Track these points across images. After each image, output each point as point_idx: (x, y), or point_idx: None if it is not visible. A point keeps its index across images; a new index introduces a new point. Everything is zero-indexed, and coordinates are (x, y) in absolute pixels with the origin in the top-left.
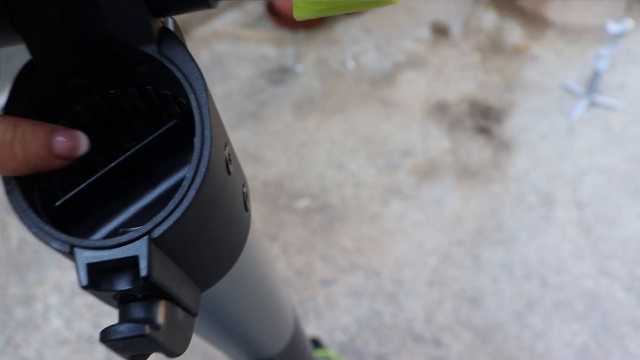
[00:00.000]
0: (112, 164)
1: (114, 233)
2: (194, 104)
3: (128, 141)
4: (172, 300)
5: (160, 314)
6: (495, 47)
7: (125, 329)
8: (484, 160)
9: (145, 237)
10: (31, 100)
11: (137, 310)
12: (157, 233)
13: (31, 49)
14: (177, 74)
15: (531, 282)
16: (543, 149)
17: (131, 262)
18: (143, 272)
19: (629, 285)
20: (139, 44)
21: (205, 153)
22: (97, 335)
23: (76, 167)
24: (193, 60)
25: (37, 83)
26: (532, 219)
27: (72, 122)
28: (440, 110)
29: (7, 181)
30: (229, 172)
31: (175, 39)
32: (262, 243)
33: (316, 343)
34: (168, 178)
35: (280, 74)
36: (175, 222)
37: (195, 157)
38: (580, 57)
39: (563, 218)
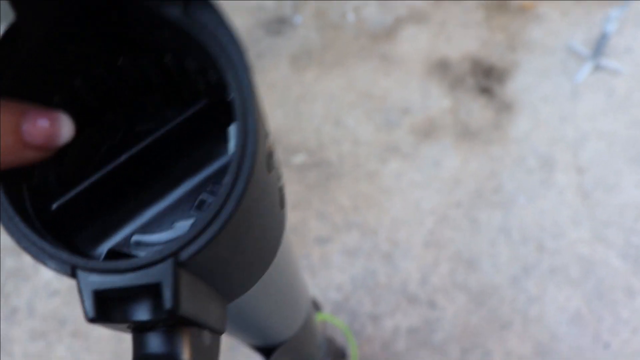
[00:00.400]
0: (124, 156)
1: (124, 244)
2: (233, 84)
3: (138, 123)
4: (199, 326)
5: (185, 346)
6: (500, 4)
7: None
8: (485, 121)
9: (170, 261)
10: (15, 73)
11: (157, 345)
12: (185, 256)
13: (16, 6)
14: (210, 44)
15: (528, 246)
16: (545, 111)
17: (152, 289)
18: (168, 304)
19: (624, 253)
20: (159, 1)
21: (249, 151)
22: None
23: (76, 156)
24: (230, 26)
25: (23, 51)
26: (531, 182)
27: (69, 99)
28: (441, 67)
29: None
30: (269, 169)
31: None
32: (288, 234)
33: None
34: (194, 174)
35: (278, 25)
36: (209, 241)
37: (236, 156)
38: (587, 17)
39: (562, 182)
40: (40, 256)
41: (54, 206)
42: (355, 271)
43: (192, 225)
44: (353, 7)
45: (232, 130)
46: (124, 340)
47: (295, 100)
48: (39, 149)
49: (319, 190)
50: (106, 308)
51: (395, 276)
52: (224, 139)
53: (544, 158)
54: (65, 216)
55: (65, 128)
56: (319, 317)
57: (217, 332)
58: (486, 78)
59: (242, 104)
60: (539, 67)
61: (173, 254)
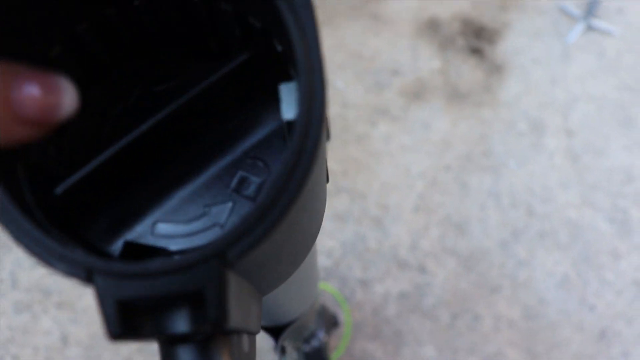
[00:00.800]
0: (144, 125)
1: (147, 234)
2: (292, 28)
3: (158, 82)
4: (240, 332)
5: (225, 356)
6: None
7: None
8: (475, 82)
9: (216, 262)
10: (6, 16)
11: (193, 358)
12: (233, 255)
13: None
14: None
15: (517, 210)
16: (535, 73)
17: (192, 295)
18: (213, 314)
19: (611, 217)
20: None
21: (317, 121)
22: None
23: (82, 125)
24: None
25: None
26: (521, 146)
27: (71, 52)
28: (431, 28)
29: None
30: (328, 137)
31: None
32: None
33: None
34: (230, 147)
35: None
36: (266, 235)
37: (300, 125)
38: None
39: (552, 146)
40: (45, 257)
41: (58, 191)
42: (345, 236)
43: (243, 215)
44: None
45: (286, 90)
46: None
47: None
48: (33, 125)
49: None
50: (133, 320)
51: (385, 241)
52: (268, 102)
53: (534, 121)
54: (72, 203)
55: (66, 97)
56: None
57: (254, 333)
58: (477, 39)
59: (307, 55)
60: (530, 28)
61: (219, 254)
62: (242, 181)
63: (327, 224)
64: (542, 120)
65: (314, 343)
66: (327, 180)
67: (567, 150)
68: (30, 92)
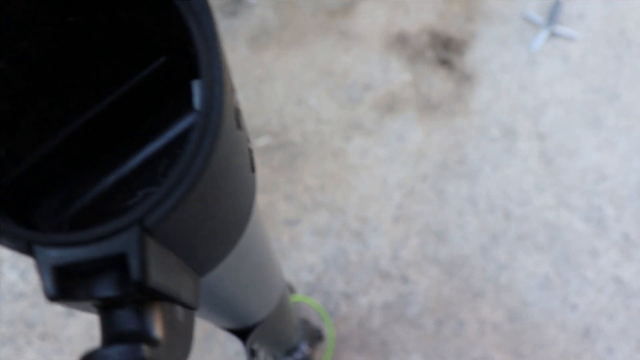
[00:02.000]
0: (80, 121)
1: (87, 212)
2: (195, 32)
3: (95, 89)
4: (171, 300)
5: (157, 322)
6: None
7: (116, 355)
8: (446, 92)
9: (136, 227)
10: None
11: (127, 322)
12: (151, 220)
13: None
14: None
15: (495, 214)
16: (504, 80)
17: (117, 260)
18: (135, 275)
19: (588, 216)
20: None
21: (216, 103)
22: None
23: (29, 127)
24: None
25: None
26: (495, 151)
27: (16, 65)
28: (400, 41)
29: None
30: (239, 126)
31: None
32: (258, 206)
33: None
34: (157, 138)
35: (233, 6)
36: (178, 203)
37: (203, 109)
38: None
39: (525, 150)
40: None
41: (7, 181)
42: (326, 251)
43: (160, 186)
44: None
45: (197, 84)
46: (96, 339)
47: (255, 82)
48: None
49: (285, 171)
50: (68, 284)
51: (366, 253)
52: (188, 98)
53: (506, 127)
54: (20, 191)
55: None
56: (296, 299)
57: (191, 308)
58: (445, 50)
59: (207, 53)
60: (496, 36)
61: (138, 220)
62: (169, 167)
63: (307, 239)
64: (514, 125)
65: (297, 356)
66: (253, 169)
67: (540, 153)
68: None
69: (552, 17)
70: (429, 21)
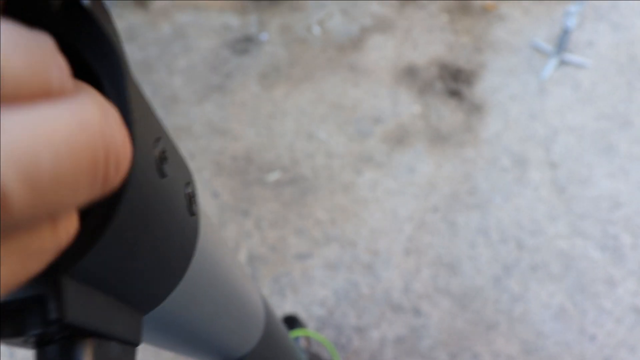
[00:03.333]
0: None
1: None
2: (107, 86)
3: None
4: (102, 336)
5: (87, 357)
6: (463, 7)
7: None
8: (456, 123)
9: (52, 269)
10: None
11: (56, 357)
12: (66, 262)
13: None
14: (86, 48)
15: (507, 245)
16: (514, 110)
17: (37, 300)
18: (52, 314)
19: (603, 244)
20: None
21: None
22: None
23: None
24: (108, 32)
25: None
26: (506, 181)
27: None
28: (409, 74)
29: None
30: (162, 175)
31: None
32: (218, 241)
33: (293, 322)
34: None
35: (244, 44)
36: (91, 249)
37: None
38: (548, 14)
39: (536, 179)
40: None
41: None
42: (337, 285)
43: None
44: (318, 20)
45: None
46: None
47: (266, 118)
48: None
49: (296, 206)
50: None
51: (377, 286)
52: None
53: (517, 156)
54: None
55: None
56: (301, 333)
57: (131, 344)
58: (454, 81)
59: (118, 109)
60: (505, 66)
61: (53, 264)
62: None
63: (318, 273)
64: (525, 154)
65: None
66: (193, 212)
67: (552, 182)
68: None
69: (561, 45)
70: (437, 53)
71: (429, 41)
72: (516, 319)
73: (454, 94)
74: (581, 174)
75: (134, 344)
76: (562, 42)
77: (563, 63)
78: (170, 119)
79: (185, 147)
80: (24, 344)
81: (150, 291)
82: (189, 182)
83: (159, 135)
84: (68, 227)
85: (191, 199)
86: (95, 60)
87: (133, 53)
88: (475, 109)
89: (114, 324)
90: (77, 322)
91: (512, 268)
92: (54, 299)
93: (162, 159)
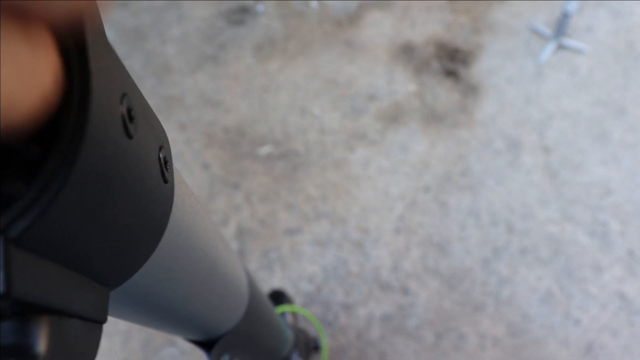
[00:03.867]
0: None
1: None
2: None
3: None
4: (59, 313)
5: (42, 336)
6: None
7: None
8: (451, 104)
9: None
10: None
11: (8, 335)
12: (14, 232)
13: None
14: None
15: (498, 228)
16: (510, 92)
17: None
18: (0, 288)
19: (592, 230)
20: None
21: (82, 116)
22: None
23: None
24: None
25: None
26: (499, 164)
27: None
28: (406, 52)
29: None
30: (129, 136)
31: None
32: (197, 212)
33: (280, 297)
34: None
35: (240, 14)
36: (42, 214)
37: (70, 115)
38: None
39: (529, 163)
40: None
41: None
42: (326, 261)
43: (21, 198)
44: None
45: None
46: None
47: (259, 91)
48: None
49: (287, 181)
50: None
51: (366, 264)
52: None
53: (511, 139)
54: None
55: None
56: (287, 309)
57: (94, 321)
58: (451, 61)
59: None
60: (503, 48)
61: (0, 231)
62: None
63: (307, 249)
64: (519, 138)
65: None
66: (166, 180)
67: (545, 167)
68: None
69: (560, 30)
70: (435, 32)
71: (427, 20)
72: (503, 302)
73: (450, 74)
74: (574, 159)
75: (99, 321)
76: (561, 26)
77: (561, 48)
78: (162, 89)
79: (177, 117)
80: None
81: (116, 265)
82: (162, 146)
83: (126, 91)
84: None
85: (164, 165)
86: None
87: (125, 20)
88: (471, 90)
89: (74, 300)
90: (26, 297)
91: (502, 251)
92: (1, 271)
93: (130, 117)
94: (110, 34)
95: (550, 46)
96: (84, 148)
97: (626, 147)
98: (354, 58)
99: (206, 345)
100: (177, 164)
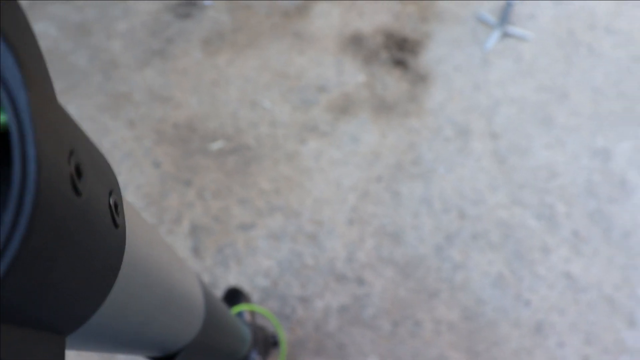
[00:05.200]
0: None
1: None
2: (6, 104)
3: None
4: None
5: None
6: None
7: None
8: (401, 93)
9: None
10: None
11: None
12: None
13: None
14: None
15: (450, 214)
16: (458, 80)
17: None
18: None
19: (539, 213)
20: None
21: (30, 187)
22: None
23: None
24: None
25: None
26: (449, 151)
27: None
28: (355, 42)
29: None
30: (78, 193)
31: None
32: (150, 242)
33: (237, 295)
34: None
35: (187, 8)
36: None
37: (14, 192)
38: None
39: (478, 150)
40: None
41: None
42: (281, 255)
43: None
44: None
45: (14, 152)
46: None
47: (209, 86)
48: None
49: (239, 175)
50: None
51: (321, 256)
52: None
53: (460, 127)
54: None
55: None
56: (244, 308)
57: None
58: (400, 50)
59: (20, 131)
60: (450, 37)
61: None
62: None
63: (262, 243)
64: (468, 125)
65: None
66: (117, 225)
67: (493, 153)
68: None
69: (504, 18)
70: (383, 22)
71: (375, 9)
72: (457, 287)
73: (399, 63)
74: (521, 144)
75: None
76: (506, 14)
77: (506, 35)
78: (110, 85)
79: (126, 114)
80: None
81: (71, 313)
82: (112, 190)
83: (73, 146)
84: None
85: (115, 209)
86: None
87: (69, 14)
88: (420, 79)
89: (31, 356)
90: None
91: (454, 237)
92: None
93: (78, 174)
94: (53, 30)
95: (496, 34)
96: (35, 221)
97: (570, 130)
98: (303, 49)
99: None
100: (127, 162)
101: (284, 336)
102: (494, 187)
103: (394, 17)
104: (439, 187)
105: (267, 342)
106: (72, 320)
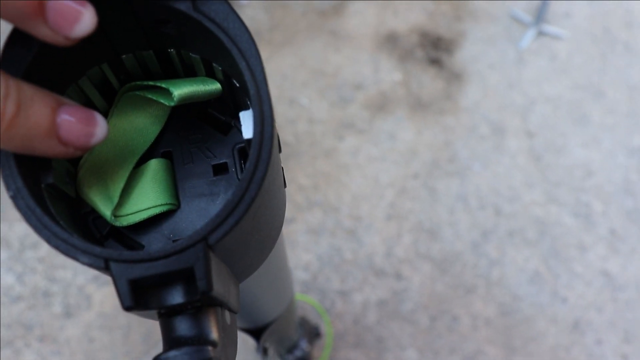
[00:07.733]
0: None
1: (146, 223)
2: (246, 74)
3: None
4: (222, 305)
5: (213, 327)
6: None
7: (185, 356)
8: (436, 91)
9: (201, 245)
10: (29, 69)
11: (187, 327)
12: (214, 239)
13: None
14: (221, 36)
15: (485, 211)
16: (493, 79)
17: (184, 273)
18: (202, 286)
19: (576, 211)
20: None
21: (267, 138)
22: (52, 288)
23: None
24: (239, 18)
25: (33, 46)
26: (485, 149)
27: (97, 82)
28: (390, 41)
29: (9, 177)
30: (280, 150)
31: None
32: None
33: None
34: (207, 160)
35: None
36: (236, 223)
37: (255, 143)
38: None
39: (514, 147)
40: (71, 252)
41: (105, 232)
42: (320, 249)
43: (220, 209)
44: None
45: (244, 116)
46: (94, 340)
47: None
48: (69, 146)
49: None
50: (142, 295)
51: (360, 251)
52: (230, 125)
53: (495, 125)
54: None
55: (100, 129)
56: (299, 297)
57: (234, 312)
58: (435, 49)
59: (257, 91)
60: (484, 35)
61: (203, 238)
62: (215, 182)
63: (302, 238)
64: (503, 123)
65: (297, 353)
66: (285, 185)
67: (529, 151)
68: (70, 118)
69: (540, 16)
70: (418, 21)
71: (410, 8)
72: (493, 283)
73: (434, 62)
74: (556, 142)
75: (236, 311)
76: (541, 12)
77: (541, 34)
78: None
79: None
80: (152, 315)
81: (254, 261)
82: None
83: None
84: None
85: (283, 171)
86: (235, 51)
87: None
88: (455, 77)
89: (230, 294)
90: (216, 294)
91: (490, 234)
92: (203, 272)
93: (277, 135)
94: None
95: (531, 32)
96: (269, 169)
97: (605, 129)
98: (339, 48)
99: (254, 333)
100: None
101: (331, 330)
102: (530, 184)
103: (428, 16)
104: (474, 184)
105: (311, 333)
106: (249, 268)
